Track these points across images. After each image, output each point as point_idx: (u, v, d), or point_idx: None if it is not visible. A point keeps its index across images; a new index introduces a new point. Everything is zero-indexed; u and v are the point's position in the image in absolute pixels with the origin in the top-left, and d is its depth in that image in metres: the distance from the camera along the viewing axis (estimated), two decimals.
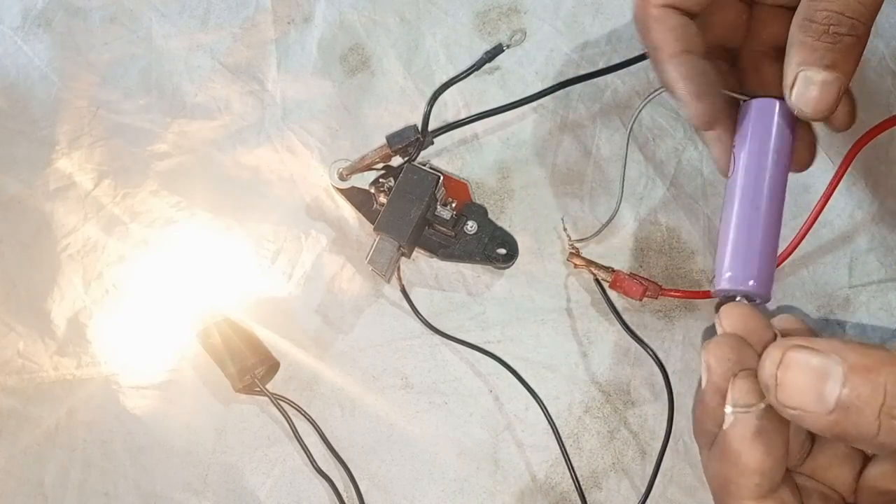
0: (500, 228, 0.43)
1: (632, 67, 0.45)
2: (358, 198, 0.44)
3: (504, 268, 0.44)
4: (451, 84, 0.43)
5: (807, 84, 0.30)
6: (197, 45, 0.49)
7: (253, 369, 0.41)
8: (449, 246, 0.43)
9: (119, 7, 0.50)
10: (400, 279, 0.43)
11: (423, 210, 0.41)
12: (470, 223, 0.43)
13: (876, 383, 0.20)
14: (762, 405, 0.23)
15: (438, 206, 0.42)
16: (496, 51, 0.42)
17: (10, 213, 0.46)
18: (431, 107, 0.42)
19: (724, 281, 0.33)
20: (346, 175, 0.43)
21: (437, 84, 0.43)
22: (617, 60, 0.45)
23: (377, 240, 0.41)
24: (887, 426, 0.20)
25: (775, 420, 0.23)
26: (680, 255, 0.44)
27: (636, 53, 0.45)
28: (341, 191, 0.44)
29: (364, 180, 0.44)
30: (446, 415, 0.42)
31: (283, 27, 0.48)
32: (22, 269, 0.45)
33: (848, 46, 0.30)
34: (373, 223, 0.42)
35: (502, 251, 0.43)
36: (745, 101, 0.35)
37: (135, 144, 0.47)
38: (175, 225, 0.46)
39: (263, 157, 0.46)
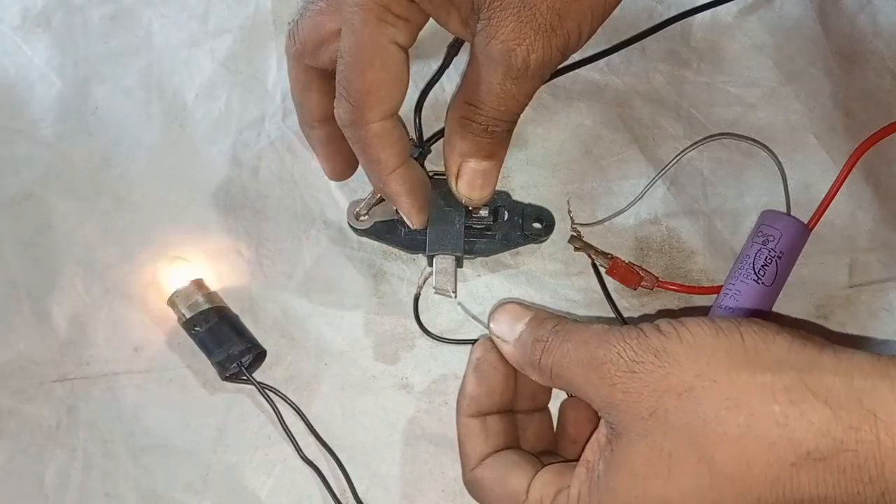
0: (530, 205, 0.43)
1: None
2: (382, 232, 0.42)
3: (545, 240, 0.43)
4: (430, 87, 0.43)
5: (472, 173, 0.35)
6: (197, 45, 0.49)
7: (239, 357, 0.41)
8: (489, 240, 0.42)
9: (119, 6, 0.50)
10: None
11: (464, 216, 0.41)
12: (502, 211, 0.42)
13: (541, 328, 0.32)
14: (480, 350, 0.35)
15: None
16: (459, 43, 0.42)
17: (10, 213, 0.46)
18: (419, 115, 0.42)
19: None
20: (364, 214, 0.42)
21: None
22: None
23: (435, 262, 0.40)
24: (534, 360, 0.31)
25: (489, 364, 0.34)
26: (680, 255, 0.44)
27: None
28: (366, 232, 0.42)
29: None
30: (446, 415, 0.42)
31: (283, 27, 0.48)
32: (22, 269, 0.45)
33: (501, 139, 0.34)
34: (407, 251, 0.42)
35: (538, 225, 0.42)
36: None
37: (134, 143, 0.47)
38: (174, 224, 0.46)
39: (263, 157, 0.46)
